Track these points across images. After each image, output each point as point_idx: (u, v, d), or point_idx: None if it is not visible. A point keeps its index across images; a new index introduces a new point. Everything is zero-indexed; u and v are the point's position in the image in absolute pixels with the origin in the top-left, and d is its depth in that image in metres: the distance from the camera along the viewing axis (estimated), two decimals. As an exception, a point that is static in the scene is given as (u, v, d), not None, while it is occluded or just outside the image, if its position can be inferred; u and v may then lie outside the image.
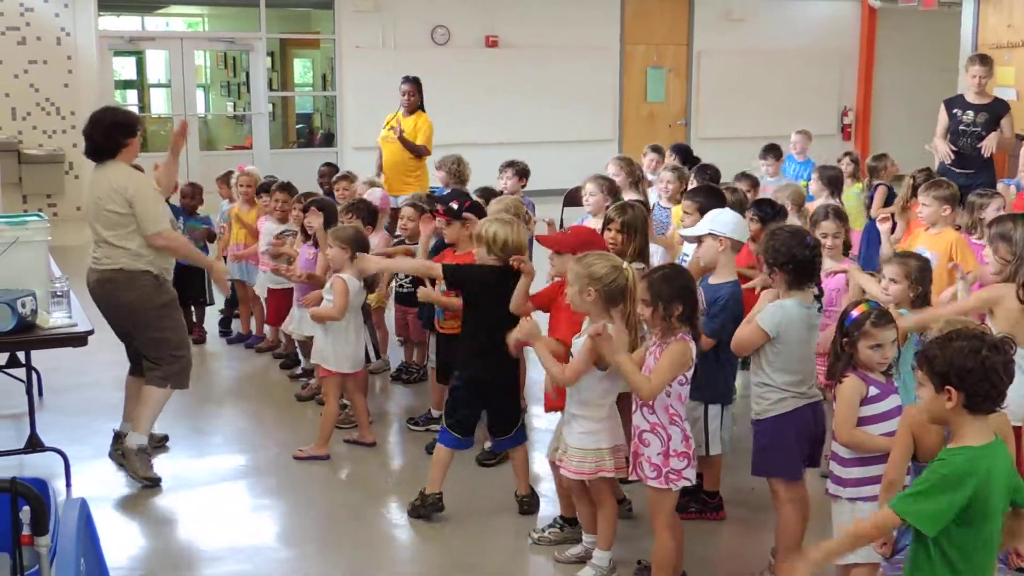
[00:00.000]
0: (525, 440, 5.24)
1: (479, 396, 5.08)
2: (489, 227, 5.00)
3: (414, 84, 9.99)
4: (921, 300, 4.68)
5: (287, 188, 7.74)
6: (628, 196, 7.08)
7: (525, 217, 6.63)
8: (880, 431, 3.83)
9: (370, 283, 6.09)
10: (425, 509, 5.10)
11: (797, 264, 4.26)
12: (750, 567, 4.64)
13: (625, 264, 4.38)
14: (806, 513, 4.44)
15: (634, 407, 4.26)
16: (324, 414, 5.96)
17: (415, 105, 9.91)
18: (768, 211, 6.09)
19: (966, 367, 2.95)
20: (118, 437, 5.92)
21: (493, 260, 4.94)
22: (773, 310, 4.28)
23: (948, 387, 2.97)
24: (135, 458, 5.53)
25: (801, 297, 4.28)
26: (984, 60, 9.03)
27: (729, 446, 4.98)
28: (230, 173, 8.60)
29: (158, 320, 5.52)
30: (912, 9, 18.25)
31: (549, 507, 5.28)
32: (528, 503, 5.21)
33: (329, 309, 5.83)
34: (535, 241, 6.75)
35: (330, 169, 9.05)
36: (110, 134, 5.49)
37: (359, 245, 5.90)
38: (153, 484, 5.51)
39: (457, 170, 8.23)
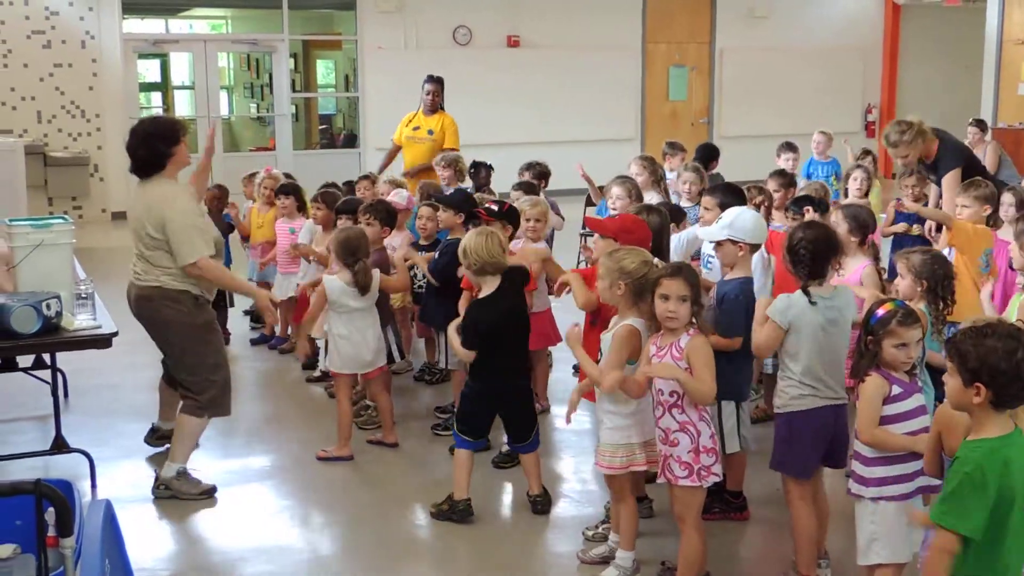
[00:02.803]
0: (538, 447, 5.26)
1: (492, 404, 5.14)
2: (463, 240, 5.12)
3: (438, 84, 9.95)
4: (934, 295, 4.58)
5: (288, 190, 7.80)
6: (650, 196, 7.07)
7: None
8: (903, 430, 3.81)
9: (364, 284, 6.04)
10: (455, 515, 5.10)
11: (813, 255, 4.27)
12: (774, 568, 4.61)
13: (656, 260, 4.40)
14: (823, 513, 4.43)
15: (660, 410, 4.24)
16: (338, 414, 5.97)
17: (437, 105, 9.88)
18: (808, 206, 6.07)
19: (999, 368, 2.93)
20: (154, 430, 5.93)
21: (470, 275, 5.13)
22: (782, 302, 4.30)
23: (978, 383, 2.96)
24: (178, 483, 5.40)
25: (816, 289, 4.27)
26: (893, 140, 6.86)
27: (750, 443, 4.95)
28: (256, 173, 8.66)
29: (196, 342, 5.33)
30: (936, 5, 18.17)
31: (571, 507, 5.28)
32: (541, 502, 5.22)
33: (313, 303, 5.95)
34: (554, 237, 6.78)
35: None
36: (151, 146, 5.23)
37: (348, 250, 5.88)
38: (210, 495, 5.44)
39: (460, 168, 8.31)
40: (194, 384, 5.38)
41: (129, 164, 5.34)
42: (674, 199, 7.58)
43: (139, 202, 5.28)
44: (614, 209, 6.65)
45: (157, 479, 5.46)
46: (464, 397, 5.19)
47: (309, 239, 7.52)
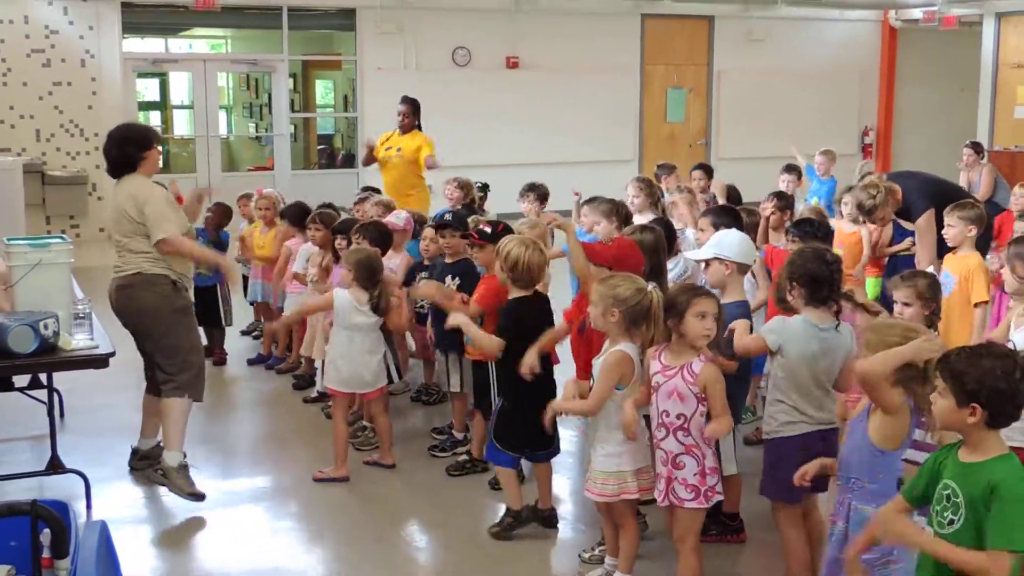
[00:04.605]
0: (558, 454, 5.32)
1: (532, 412, 5.03)
2: (507, 246, 5.07)
3: (410, 105, 10.11)
4: (934, 318, 4.64)
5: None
6: (647, 217, 7.07)
7: (548, 237, 6.65)
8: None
9: (381, 308, 6.03)
10: (520, 524, 5.11)
11: (812, 279, 4.27)
12: (771, 591, 4.61)
13: (650, 287, 4.40)
14: (817, 535, 4.42)
15: (664, 432, 4.23)
16: (333, 435, 5.96)
17: (410, 126, 10.05)
18: (807, 230, 6.05)
19: (998, 388, 2.94)
20: (135, 453, 5.99)
21: (505, 279, 5.06)
22: (775, 323, 4.33)
23: (974, 404, 2.97)
24: (176, 475, 5.56)
25: (814, 316, 4.27)
26: (869, 207, 6.83)
27: (742, 465, 4.96)
28: (251, 195, 8.70)
29: (173, 325, 5.58)
30: (932, 28, 18.25)
31: (568, 529, 5.27)
32: (551, 517, 5.23)
33: (309, 302, 6.07)
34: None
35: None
36: (124, 149, 5.59)
37: (366, 269, 5.91)
38: (198, 499, 5.52)
39: (469, 192, 8.36)
40: (173, 366, 5.60)
41: (105, 165, 5.71)
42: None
43: (117, 195, 5.59)
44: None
45: (136, 455, 5.72)
46: (504, 413, 5.09)
47: (305, 262, 7.55)
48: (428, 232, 6.85)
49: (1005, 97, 17.41)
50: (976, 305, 5.81)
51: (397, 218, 7.35)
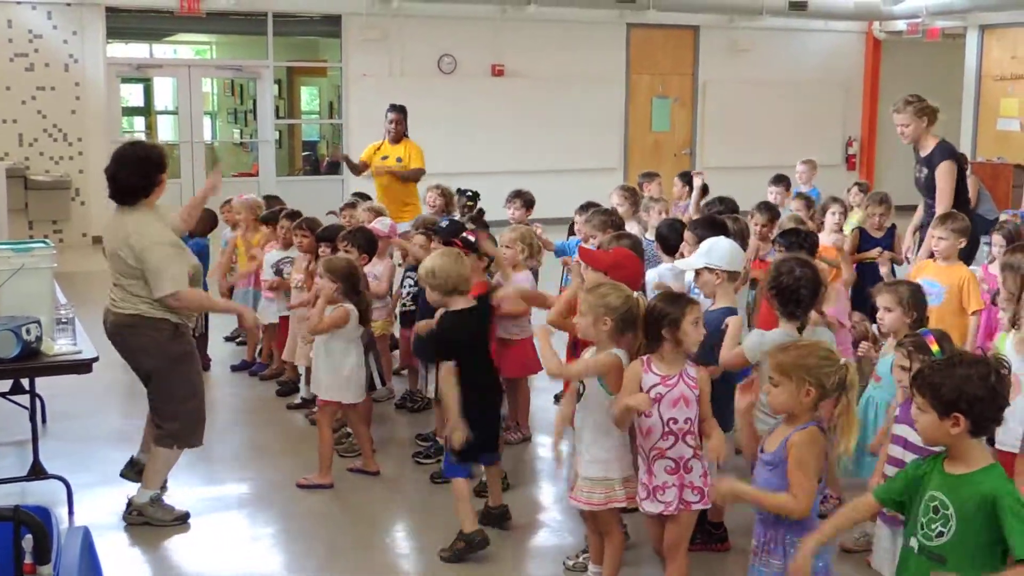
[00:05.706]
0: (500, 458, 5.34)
1: (479, 421, 5.09)
2: (426, 262, 5.09)
3: (401, 113, 10.12)
4: (918, 326, 4.65)
5: (293, 216, 7.75)
6: (631, 225, 7.10)
7: (537, 246, 6.65)
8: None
9: (367, 316, 6.03)
10: (473, 548, 4.98)
11: (779, 292, 4.33)
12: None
13: (636, 293, 4.42)
14: None
15: (672, 440, 4.20)
16: (319, 443, 5.94)
17: (401, 134, 10.05)
18: (793, 240, 6.06)
19: (977, 395, 2.93)
20: (132, 463, 5.81)
21: (436, 296, 5.07)
22: (753, 337, 4.39)
23: (956, 414, 2.96)
24: (151, 509, 5.37)
25: (788, 328, 4.29)
26: (899, 106, 7.22)
27: (730, 474, 4.96)
28: (231, 200, 8.68)
29: (169, 371, 5.24)
30: (916, 40, 18.36)
31: (552, 536, 5.26)
32: (502, 515, 5.27)
33: (316, 317, 5.82)
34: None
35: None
36: (141, 171, 5.11)
37: (348, 278, 5.90)
38: (183, 521, 5.40)
39: (451, 201, 8.38)
40: (164, 413, 5.32)
41: (109, 189, 5.18)
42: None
43: (117, 230, 5.12)
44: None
45: (130, 505, 5.42)
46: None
47: (270, 268, 7.61)
48: (418, 239, 6.86)
49: (988, 109, 17.53)
50: (973, 313, 5.85)
51: (382, 224, 7.34)
